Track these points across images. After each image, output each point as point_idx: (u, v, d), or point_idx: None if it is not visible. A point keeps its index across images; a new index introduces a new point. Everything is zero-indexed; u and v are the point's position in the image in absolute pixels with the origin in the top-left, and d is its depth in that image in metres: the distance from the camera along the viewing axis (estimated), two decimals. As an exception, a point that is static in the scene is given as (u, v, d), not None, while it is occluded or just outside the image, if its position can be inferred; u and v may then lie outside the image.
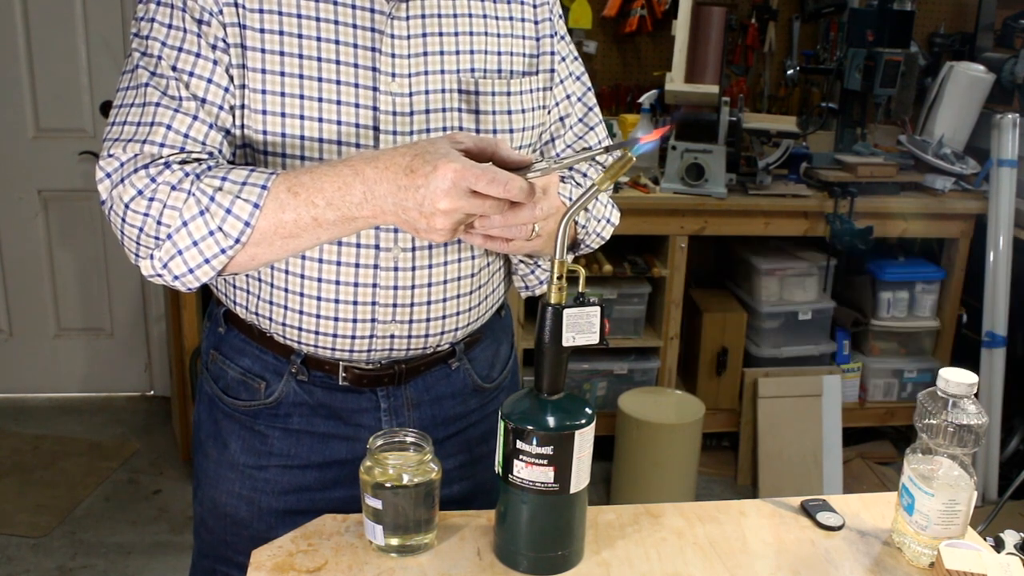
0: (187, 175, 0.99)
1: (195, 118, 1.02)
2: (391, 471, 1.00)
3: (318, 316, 1.11)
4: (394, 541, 1.01)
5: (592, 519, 1.08)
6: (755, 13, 3.48)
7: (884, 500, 1.17)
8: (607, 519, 1.10)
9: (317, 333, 1.12)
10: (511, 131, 1.15)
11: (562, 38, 1.23)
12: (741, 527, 1.11)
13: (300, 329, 1.13)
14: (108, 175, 1.01)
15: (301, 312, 1.11)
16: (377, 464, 1.01)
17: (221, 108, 1.03)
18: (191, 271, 1.01)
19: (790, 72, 3.38)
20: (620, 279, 3.03)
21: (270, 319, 1.14)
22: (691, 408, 2.91)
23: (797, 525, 1.12)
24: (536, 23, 1.18)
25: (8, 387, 3.58)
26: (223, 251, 0.99)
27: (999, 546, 1.10)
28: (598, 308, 0.97)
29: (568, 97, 1.24)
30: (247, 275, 1.13)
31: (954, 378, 1.00)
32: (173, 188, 0.98)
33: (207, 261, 1.00)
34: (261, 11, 1.03)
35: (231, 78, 1.03)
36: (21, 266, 3.48)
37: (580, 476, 0.98)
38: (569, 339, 0.96)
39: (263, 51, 1.03)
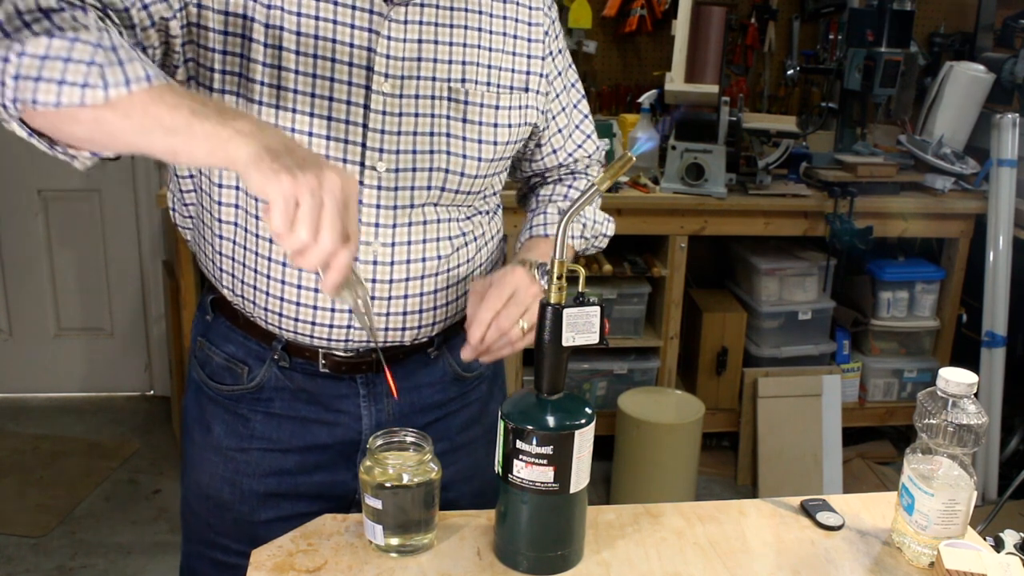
0: (103, 20, 0.92)
1: (127, 9, 0.96)
2: (391, 471, 1.01)
3: (298, 304, 1.13)
4: (394, 541, 1.01)
5: (592, 519, 1.08)
6: (755, 13, 3.48)
7: (884, 500, 1.17)
8: (607, 519, 1.11)
9: (296, 320, 1.14)
10: (495, 143, 1.18)
11: (560, 52, 1.27)
12: (741, 527, 1.11)
13: (281, 315, 1.14)
14: None
15: (282, 299, 1.13)
16: (377, 464, 1.01)
17: (152, 24, 0.98)
18: (36, 79, 0.86)
19: (790, 72, 3.38)
20: (620, 279, 3.03)
21: (253, 303, 1.15)
22: (691, 408, 2.91)
23: (797, 525, 1.12)
24: (529, 41, 1.21)
25: (8, 387, 3.58)
26: (84, 86, 0.86)
27: (999, 546, 1.10)
28: (598, 308, 0.97)
29: (564, 109, 1.30)
30: (232, 258, 1.14)
31: (954, 378, 1.00)
32: (85, 24, 0.88)
33: (60, 83, 0.86)
34: (269, 7, 1.04)
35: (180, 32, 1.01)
36: (21, 266, 3.48)
37: (580, 476, 0.98)
38: (569, 339, 0.96)
39: (265, 45, 1.04)
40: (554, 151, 1.32)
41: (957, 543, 1.00)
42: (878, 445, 3.37)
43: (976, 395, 1.01)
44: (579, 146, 1.34)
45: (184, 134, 0.87)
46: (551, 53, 1.25)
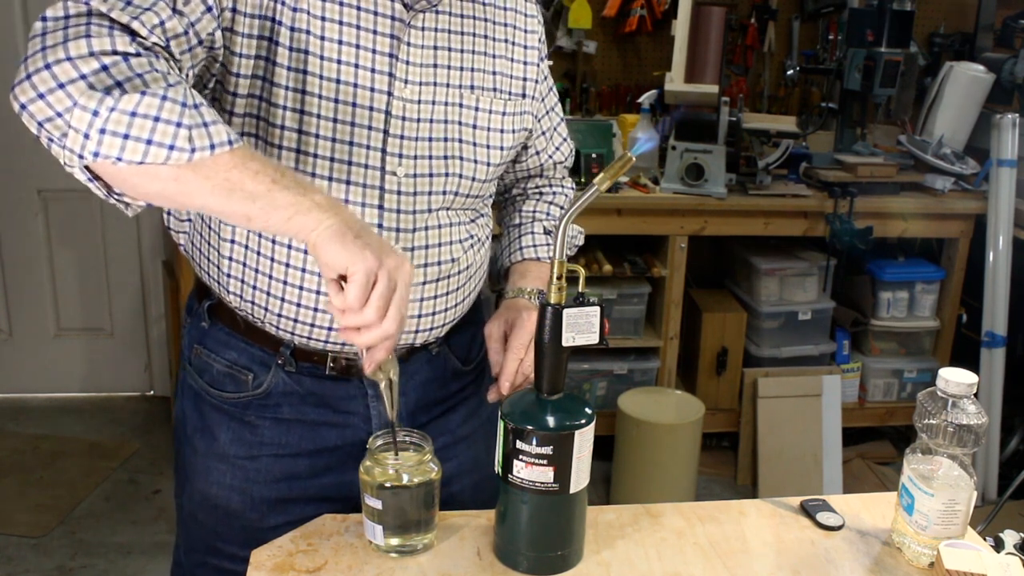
0: (180, 72, 0.92)
1: (185, 33, 0.95)
2: (391, 471, 1.01)
3: (315, 310, 1.13)
4: (394, 541, 1.01)
5: (592, 519, 1.08)
6: (755, 13, 3.48)
7: (884, 500, 1.17)
8: (607, 519, 1.11)
9: (312, 326, 1.14)
10: (501, 148, 1.21)
11: (546, 56, 1.32)
12: (741, 527, 1.11)
13: (295, 321, 1.14)
14: None
15: (298, 305, 1.13)
16: (377, 464, 1.01)
17: (200, 42, 0.98)
18: (124, 136, 0.86)
19: (790, 72, 3.38)
20: (620, 279, 3.03)
21: (265, 309, 1.14)
22: (691, 408, 2.91)
23: (797, 525, 1.12)
24: (525, 48, 1.25)
25: (8, 387, 3.58)
26: (172, 148, 0.86)
27: (999, 546, 1.10)
28: (598, 308, 0.97)
29: (547, 112, 1.34)
30: (244, 264, 1.13)
31: (954, 378, 1.00)
32: (165, 72, 0.89)
33: (148, 143, 0.86)
34: (295, 10, 1.05)
35: (225, 45, 1.01)
36: (21, 266, 3.48)
37: (580, 476, 0.98)
38: (569, 339, 0.96)
39: (291, 49, 1.05)
40: (536, 153, 1.36)
41: (957, 543, 1.00)
42: (878, 445, 3.37)
43: (976, 395, 1.01)
44: (557, 148, 1.38)
45: (264, 201, 0.89)
46: (542, 58, 1.29)
